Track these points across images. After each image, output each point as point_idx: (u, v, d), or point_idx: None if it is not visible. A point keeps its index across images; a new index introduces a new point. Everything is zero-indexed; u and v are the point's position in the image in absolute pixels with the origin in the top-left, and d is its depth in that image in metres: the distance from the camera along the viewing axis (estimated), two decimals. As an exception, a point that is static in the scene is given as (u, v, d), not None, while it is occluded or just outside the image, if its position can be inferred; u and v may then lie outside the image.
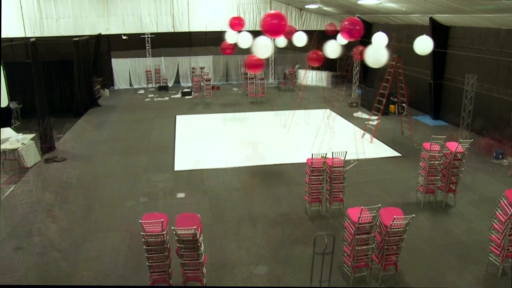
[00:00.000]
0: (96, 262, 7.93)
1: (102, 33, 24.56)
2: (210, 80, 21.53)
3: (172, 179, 11.84)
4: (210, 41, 26.15)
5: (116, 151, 14.25)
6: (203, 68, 24.71)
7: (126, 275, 7.53)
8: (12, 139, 12.96)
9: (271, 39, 11.38)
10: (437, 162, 9.88)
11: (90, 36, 22.40)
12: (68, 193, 10.98)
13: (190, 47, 26.41)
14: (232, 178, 11.85)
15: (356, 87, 23.20)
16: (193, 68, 25.36)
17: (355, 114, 18.84)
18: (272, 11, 11.51)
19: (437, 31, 16.59)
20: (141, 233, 6.45)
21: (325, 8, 23.72)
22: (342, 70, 23.43)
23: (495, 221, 7.69)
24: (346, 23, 11.34)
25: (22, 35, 24.22)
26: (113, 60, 25.56)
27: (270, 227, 9.18)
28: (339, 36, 13.43)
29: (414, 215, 6.90)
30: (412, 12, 16.85)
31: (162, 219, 6.43)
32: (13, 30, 24.30)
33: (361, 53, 14.29)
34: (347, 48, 15.47)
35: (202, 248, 6.73)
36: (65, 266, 7.80)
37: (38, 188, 11.33)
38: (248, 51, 12.52)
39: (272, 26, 10.25)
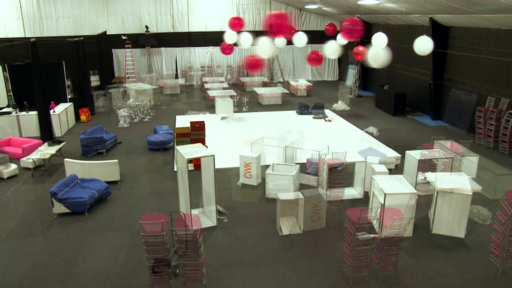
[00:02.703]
0: (96, 262, 7.93)
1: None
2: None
3: (172, 179, 11.84)
4: (210, 41, 26.19)
5: (115, 151, 14.24)
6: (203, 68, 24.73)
7: (126, 275, 7.53)
8: (42, 148, 12.76)
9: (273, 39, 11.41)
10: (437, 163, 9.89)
11: (90, 36, 22.36)
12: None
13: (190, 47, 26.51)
14: (232, 178, 11.84)
15: (356, 88, 23.20)
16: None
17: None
18: (276, 11, 11.55)
19: (437, 31, 16.60)
20: (141, 233, 6.45)
21: (324, 8, 23.74)
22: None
23: (495, 221, 7.69)
24: (346, 23, 11.34)
25: (22, 35, 24.25)
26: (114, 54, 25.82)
27: (270, 226, 9.18)
28: (339, 36, 13.47)
29: (413, 215, 6.91)
30: (412, 12, 16.85)
31: (162, 220, 6.43)
32: (12, 30, 24.32)
33: (361, 54, 14.32)
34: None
35: (202, 248, 6.73)
36: (64, 266, 7.80)
37: (38, 187, 11.35)
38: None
39: (277, 26, 10.29)
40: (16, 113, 15.78)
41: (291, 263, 7.84)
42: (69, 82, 19.12)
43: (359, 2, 15.57)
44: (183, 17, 26.04)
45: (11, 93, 17.02)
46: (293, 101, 21.66)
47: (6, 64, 17.46)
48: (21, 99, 16.16)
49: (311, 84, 24.08)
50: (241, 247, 8.41)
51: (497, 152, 13.67)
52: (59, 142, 13.38)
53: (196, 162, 12.43)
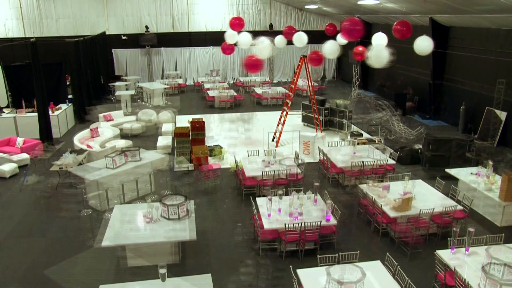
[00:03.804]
0: (96, 262, 7.93)
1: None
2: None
3: (172, 179, 11.86)
4: (210, 41, 26.20)
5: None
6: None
7: (126, 276, 7.53)
8: (67, 157, 11.29)
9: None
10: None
11: (90, 36, 22.38)
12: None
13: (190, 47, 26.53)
14: (231, 178, 11.85)
15: (356, 88, 23.19)
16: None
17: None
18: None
19: (437, 31, 16.60)
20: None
21: (324, 8, 23.75)
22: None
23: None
24: (346, 23, 11.32)
25: (22, 35, 24.25)
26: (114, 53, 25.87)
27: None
28: (338, 36, 13.46)
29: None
30: (412, 12, 16.85)
31: None
32: (12, 30, 24.32)
33: (362, 54, 14.32)
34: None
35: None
36: (64, 266, 7.81)
37: (39, 187, 11.36)
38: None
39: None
40: (13, 114, 15.60)
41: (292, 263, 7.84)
42: (68, 82, 19.14)
43: (359, 2, 15.56)
44: (183, 17, 26.04)
45: (10, 93, 17.00)
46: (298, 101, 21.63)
47: (6, 65, 17.44)
48: (20, 99, 16.10)
49: (318, 84, 23.93)
50: (242, 247, 8.41)
51: (497, 152, 13.69)
52: (58, 142, 13.33)
53: (196, 162, 12.47)
